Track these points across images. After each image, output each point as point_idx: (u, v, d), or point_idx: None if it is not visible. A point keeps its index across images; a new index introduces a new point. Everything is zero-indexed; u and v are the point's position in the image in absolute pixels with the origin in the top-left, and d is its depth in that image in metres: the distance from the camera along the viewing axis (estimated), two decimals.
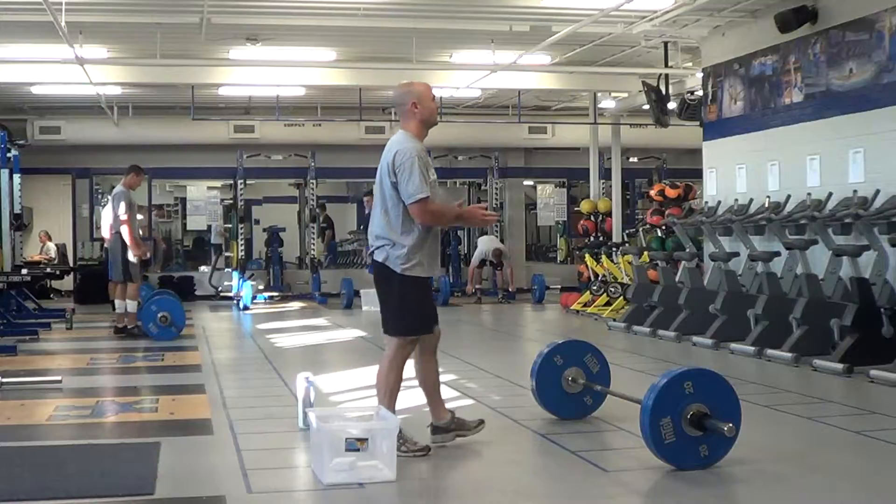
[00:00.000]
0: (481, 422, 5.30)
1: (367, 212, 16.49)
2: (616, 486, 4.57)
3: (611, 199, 15.81)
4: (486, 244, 16.18)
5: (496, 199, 18.49)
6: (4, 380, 7.11)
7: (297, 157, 18.03)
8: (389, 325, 5.12)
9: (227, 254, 17.94)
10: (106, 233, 11.11)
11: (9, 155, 12.96)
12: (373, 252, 5.12)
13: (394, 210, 4.98)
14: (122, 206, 10.68)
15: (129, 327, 10.83)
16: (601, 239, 15.21)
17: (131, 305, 10.84)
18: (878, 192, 8.55)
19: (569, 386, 5.82)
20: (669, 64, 12.90)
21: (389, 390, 5.06)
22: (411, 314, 5.04)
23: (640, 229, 14.10)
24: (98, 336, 11.20)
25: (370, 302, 14.70)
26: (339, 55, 13.17)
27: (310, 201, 17.70)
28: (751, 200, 10.31)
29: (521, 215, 19.98)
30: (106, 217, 11.22)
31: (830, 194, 9.14)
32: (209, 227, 19.37)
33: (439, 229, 5.24)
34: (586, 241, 15.53)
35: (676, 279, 10.87)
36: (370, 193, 16.59)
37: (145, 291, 12.34)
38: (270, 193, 21.31)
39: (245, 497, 4.34)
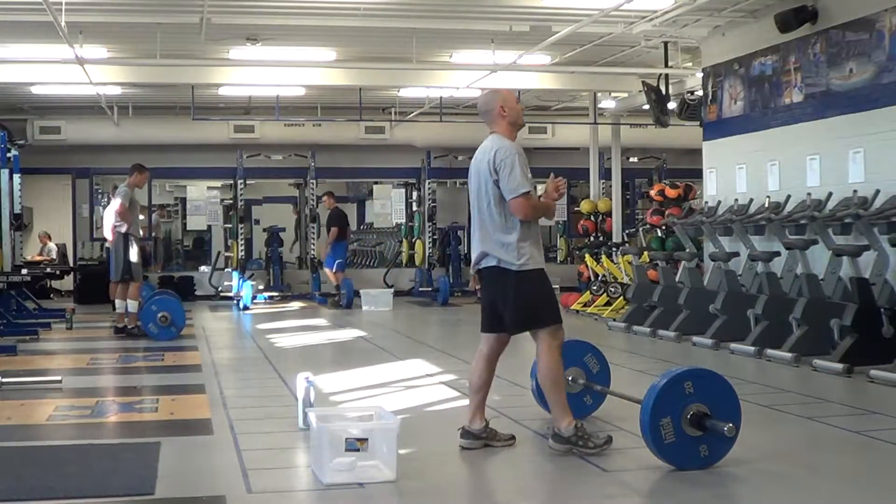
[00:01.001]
0: (512, 437, 5.23)
1: (327, 210, 16.40)
2: (616, 486, 4.57)
3: (611, 199, 15.81)
4: None
5: None
6: (4, 380, 7.11)
7: (297, 157, 18.04)
8: (518, 321, 5.06)
9: (226, 254, 17.94)
10: (108, 233, 11.11)
11: (9, 155, 12.92)
12: (478, 263, 5.14)
13: (498, 208, 5.02)
14: (119, 200, 10.75)
15: (129, 327, 10.83)
16: (601, 239, 15.21)
17: (132, 305, 10.85)
18: (878, 192, 8.55)
19: (569, 386, 5.81)
20: (669, 64, 12.90)
21: (557, 384, 5.03)
22: (541, 303, 5.05)
23: (640, 229, 14.10)
24: (98, 336, 11.20)
25: (370, 302, 14.74)
26: (339, 55, 13.17)
27: (310, 201, 17.71)
28: (751, 200, 10.31)
29: None
30: (107, 217, 11.23)
31: (830, 194, 9.14)
32: (209, 227, 19.37)
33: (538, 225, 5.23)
34: (586, 241, 15.54)
35: (676, 279, 10.87)
36: (329, 193, 16.64)
37: (145, 291, 12.33)
38: (270, 193, 21.32)
39: (245, 497, 4.34)
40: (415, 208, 18.67)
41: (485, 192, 5.08)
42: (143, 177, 11.21)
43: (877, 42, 8.86)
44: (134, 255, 10.80)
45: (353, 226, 24.30)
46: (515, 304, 5.02)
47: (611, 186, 16.29)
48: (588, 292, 13.64)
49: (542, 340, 5.05)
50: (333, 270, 15.66)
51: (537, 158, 19.60)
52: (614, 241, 14.92)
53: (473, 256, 5.22)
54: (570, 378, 5.81)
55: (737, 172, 11.01)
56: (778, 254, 9.33)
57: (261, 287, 16.31)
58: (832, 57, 9.45)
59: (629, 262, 12.79)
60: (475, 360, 5.29)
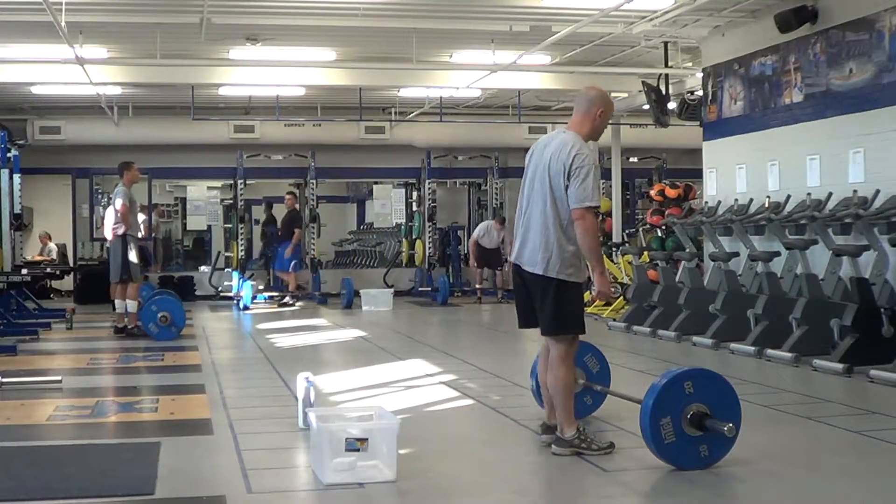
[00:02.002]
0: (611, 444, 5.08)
1: (287, 209, 16.40)
2: (616, 486, 4.57)
3: (611, 199, 15.80)
4: (484, 227, 16.29)
5: (496, 199, 18.50)
6: (4, 380, 7.11)
7: (297, 157, 18.02)
8: (553, 326, 5.05)
9: (227, 254, 17.93)
10: (108, 233, 11.11)
11: (9, 155, 12.94)
12: (526, 262, 5.08)
13: (565, 213, 4.97)
14: (120, 201, 10.76)
15: (129, 327, 10.84)
16: (601, 239, 15.18)
17: (131, 305, 10.86)
18: (878, 192, 8.55)
19: None
20: (669, 64, 12.90)
21: (567, 390, 5.03)
22: (576, 314, 5.07)
23: (640, 229, 14.10)
24: (98, 336, 11.20)
25: (370, 302, 14.75)
26: (339, 55, 13.17)
27: (310, 201, 17.71)
28: (751, 200, 10.31)
29: None
30: (108, 218, 11.23)
31: (830, 194, 9.14)
32: (209, 227, 19.37)
33: None
34: None
35: (676, 279, 10.87)
36: (292, 193, 16.70)
37: (145, 291, 12.33)
38: (270, 193, 21.33)
39: (245, 497, 4.34)
40: (415, 208, 18.66)
41: (549, 190, 4.98)
42: (133, 172, 11.22)
43: (877, 42, 8.86)
44: (133, 255, 10.80)
45: (353, 226, 24.45)
46: (554, 309, 5.01)
47: (611, 186, 16.29)
48: (588, 292, 13.63)
49: (561, 347, 5.06)
50: (291, 271, 15.88)
51: None
52: (614, 241, 14.92)
53: (521, 251, 5.11)
54: None
55: (737, 172, 11.01)
56: (778, 254, 9.32)
57: (261, 287, 16.31)
58: (832, 57, 9.44)
59: (629, 262, 12.80)
60: (540, 361, 5.28)
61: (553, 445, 5.03)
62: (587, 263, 5.25)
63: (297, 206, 16.59)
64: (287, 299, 15.81)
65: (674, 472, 4.60)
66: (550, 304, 5.01)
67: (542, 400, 5.33)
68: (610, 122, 16.55)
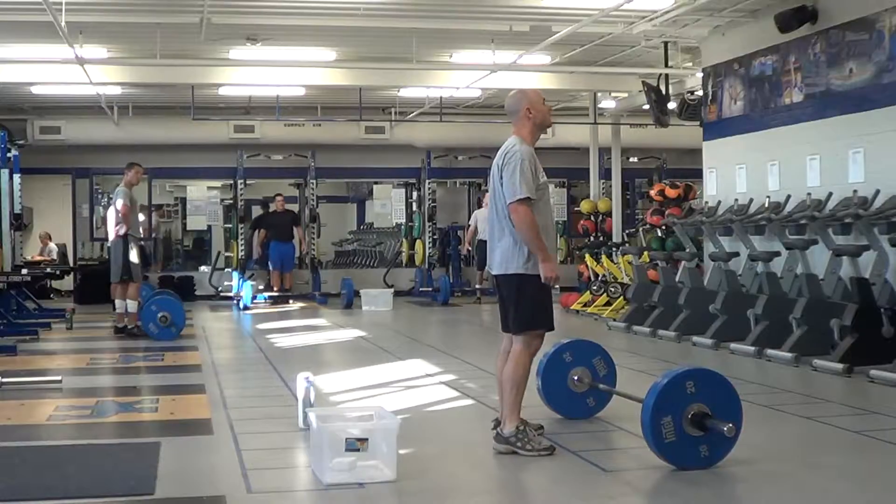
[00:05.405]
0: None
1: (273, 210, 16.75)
2: (616, 486, 4.57)
3: (611, 199, 15.80)
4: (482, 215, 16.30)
5: None
6: (4, 380, 7.11)
7: (297, 157, 18.04)
8: (514, 323, 5.12)
9: (227, 254, 17.94)
10: (111, 233, 11.11)
11: (9, 155, 12.94)
12: (491, 265, 5.22)
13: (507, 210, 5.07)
14: (121, 201, 10.76)
15: (129, 327, 10.84)
16: (601, 239, 15.20)
17: (132, 305, 10.85)
18: (878, 192, 8.55)
19: (575, 385, 5.82)
20: (669, 64, 12.90)
21: (517, 386, 5.04)
22: (536, 310, 5.09)
23: (640, 229, 14.09)
24: (98, 336, 11.20)
25: (370, 302, 14.74)
26: (339, 55, 13.17)
27: (310, 201, 17.70)
28: (751, 200, 10.31)
29: None
30: (109, 218, 11.23)
31: (830, 194, 9.13)
32: (209, 227, 19.39)
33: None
34: (586, 241, 15.53)
35: (676, 279, 10.87)
36: (280, 194, 16.88)
37: (145, 291, 12.32)
38: (270, 193, 21.32)
39: (245, 497, 4.34)
40: (415, 208, 18.66)
41: (500, 193, 5.12)
42: (138, 174, 11.23)
43: (877, 42, 8.85)
44: (133, 255, 10.80)
45: (353, 226, 24.43)
46: (518, 306, 5.08)
47: (611, 186, 16.28)
48: (588, 292, 13.64)
49: (524, 341, 5.09)
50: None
51: (538, 158, 19.64)
52: (614, 241, 14.91)
53: (491, 257, 5.22)
54: (576, 378, 5.82)
55: (737, 172, 11.00)
56: (778, 254, 9.33)
57: (261, 287, 16.31)
58: (832, 57, 9.44)
59: (629, 262, 12.79)
60: (499, 359, 5.30)
61: (493, 441, 5.05)
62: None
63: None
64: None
65: (674, 472, 4.60)
66: (514, 301, 5.07)
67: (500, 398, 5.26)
68: (609, 122, 16.70)
